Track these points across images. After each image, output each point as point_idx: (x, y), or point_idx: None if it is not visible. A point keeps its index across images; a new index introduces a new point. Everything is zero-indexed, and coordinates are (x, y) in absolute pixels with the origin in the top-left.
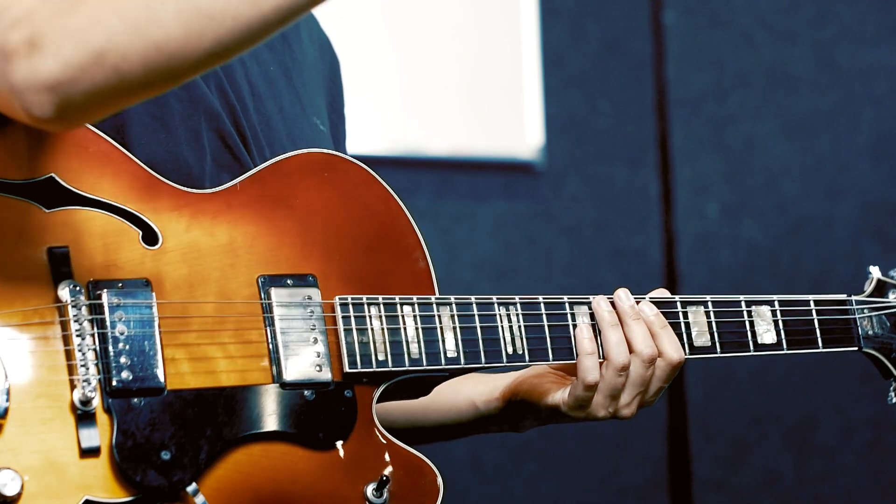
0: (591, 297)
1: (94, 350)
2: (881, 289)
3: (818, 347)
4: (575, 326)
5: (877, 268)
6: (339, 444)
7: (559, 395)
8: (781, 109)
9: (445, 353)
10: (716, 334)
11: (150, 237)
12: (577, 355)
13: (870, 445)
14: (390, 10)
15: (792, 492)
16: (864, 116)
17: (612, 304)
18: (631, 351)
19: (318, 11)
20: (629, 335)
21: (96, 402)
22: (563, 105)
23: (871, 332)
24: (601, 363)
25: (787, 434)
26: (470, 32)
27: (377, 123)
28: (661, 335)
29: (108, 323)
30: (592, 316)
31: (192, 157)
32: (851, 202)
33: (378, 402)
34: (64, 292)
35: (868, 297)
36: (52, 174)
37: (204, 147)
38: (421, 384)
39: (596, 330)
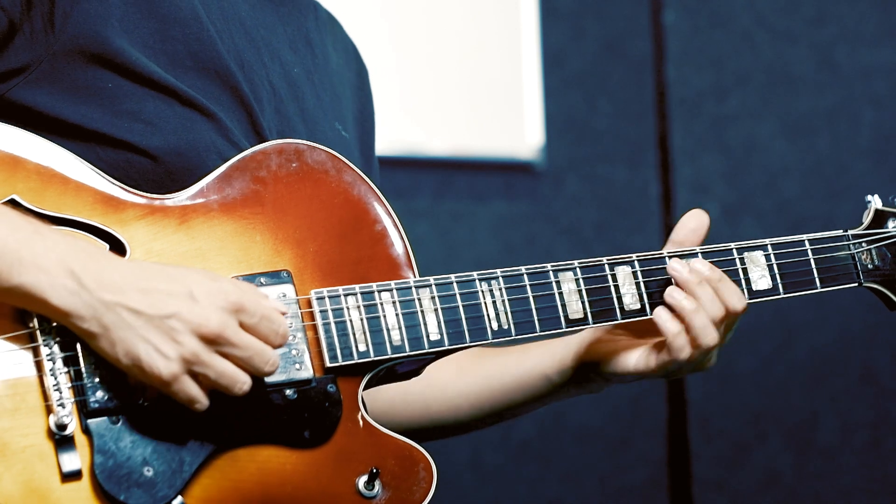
0: (574, 261)
1: (67, 372)
2: (880, 219)
3: (816, 288)
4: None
5: (876, 196)
6: (325, 440)
7: (643, 362)
8: (781, 109)
9: (428, 337)
10: None
11: (117, 250)
12: (666, 336)
13: (870, 445)
14: (390, 10)
15: (792, 492)
16: (864, 116)
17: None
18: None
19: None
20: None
21: (74, 425)
22: (563, 105)
23: (870, 266)
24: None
25: (787, 434)
26: (470, 32)
27: (377, 123)
28: (721, 289)
29: (79, 344)
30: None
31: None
32: (851, 202)
33: (368, 388)
34: (32, 317)
35: (865, 229)
36: (14, 196)
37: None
38: (411, 366)
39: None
